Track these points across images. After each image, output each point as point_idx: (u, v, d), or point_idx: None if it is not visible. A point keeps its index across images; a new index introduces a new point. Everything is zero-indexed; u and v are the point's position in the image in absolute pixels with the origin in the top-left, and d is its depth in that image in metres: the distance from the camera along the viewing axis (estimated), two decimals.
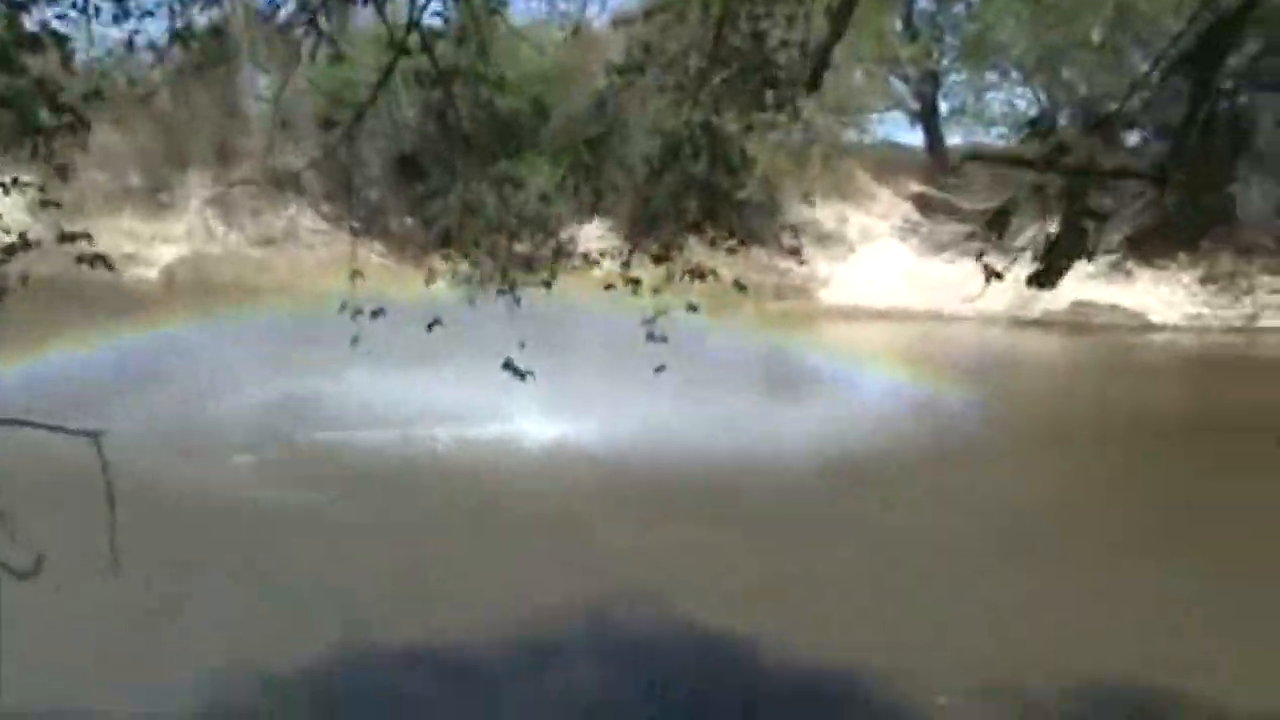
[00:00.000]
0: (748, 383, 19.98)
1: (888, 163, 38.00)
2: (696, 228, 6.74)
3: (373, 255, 34.07)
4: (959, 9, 39.93)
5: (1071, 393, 25.45)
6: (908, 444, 17.63)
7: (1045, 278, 3.84)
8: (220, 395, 18.05)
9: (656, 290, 7.03)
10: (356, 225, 30.70)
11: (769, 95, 6.07)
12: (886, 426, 18.41)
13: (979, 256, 4.73)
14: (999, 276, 4.38)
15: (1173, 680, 9.23)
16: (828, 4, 6.36)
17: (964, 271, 35.66)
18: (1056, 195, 3.77)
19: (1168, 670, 9.45)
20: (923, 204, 38.63)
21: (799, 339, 29.11)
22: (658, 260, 6.93)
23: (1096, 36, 29.91)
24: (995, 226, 4.11)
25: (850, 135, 38.00)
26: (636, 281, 7.09)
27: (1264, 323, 33.77)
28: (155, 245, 34.99)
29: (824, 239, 36.26)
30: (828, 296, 34.92)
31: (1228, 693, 8.95)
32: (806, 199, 27.59)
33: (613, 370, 15.03)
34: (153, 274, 33.90)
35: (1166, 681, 9.24)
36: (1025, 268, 4.66)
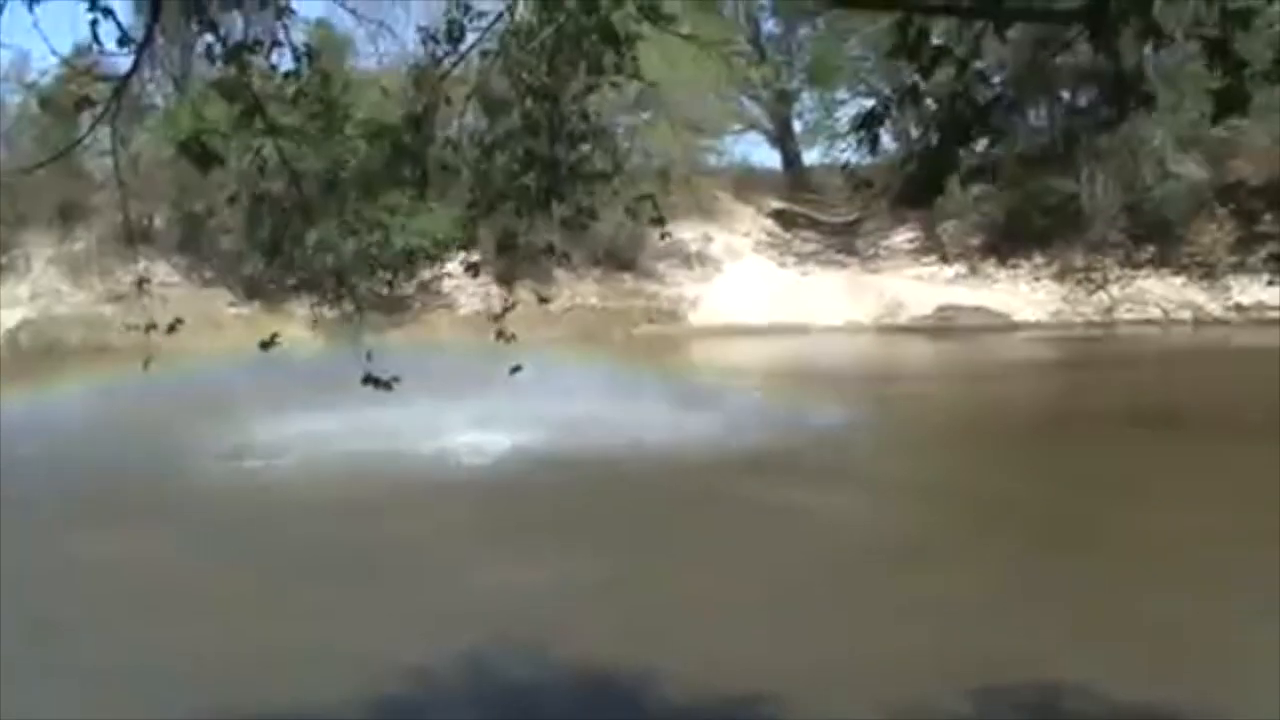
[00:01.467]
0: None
1: (747, 182, 38.36)
2: (540, 206, 6.25)
3: (227, 306, 33.11)
4: (805, 31, 40.74)
5: (934, 394, 25.74)
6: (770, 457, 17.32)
7: (917, 187, 3.59)
8: None
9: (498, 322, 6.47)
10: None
11: (607, 54, 5.73)
12: (743, 440, 18.09)
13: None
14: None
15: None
16: None
17: (830, 283, 36.24)
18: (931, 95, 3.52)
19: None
20: (784, 220, 39.08)
21: (668, 361, 29.02)
22: (502, 281, 6.51)
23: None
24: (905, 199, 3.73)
25: (709, 158, 38.41)
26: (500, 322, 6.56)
27: (1118, 315, 34.92)
28: None
29: (690, 260, 36.37)
30: (697, 318, 34.97)
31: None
32: (655, 224, 27.14)
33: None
34: None
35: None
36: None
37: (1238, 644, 8.97)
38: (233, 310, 33.04)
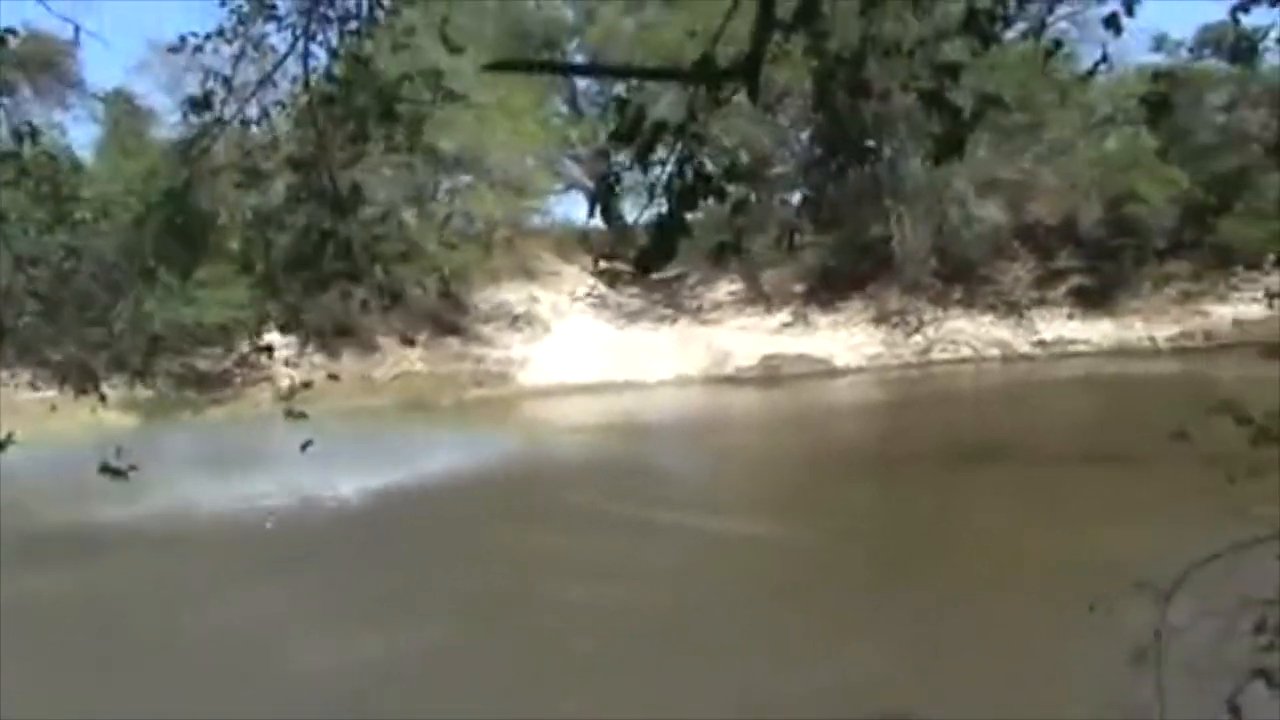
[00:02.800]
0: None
1: (570, 241, 38.56)
2: (331, 283, 6.02)
3: (26, 392, 31.40)
4: (620, 87, 41.34)
5: (754, 444, 26.24)
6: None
7: (651, 255, 3.60)
8: None
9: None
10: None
11: (379, 131, 5.63)
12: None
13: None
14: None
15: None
16: (440, 27, 6.10)
17: (658, 338, 36.60)
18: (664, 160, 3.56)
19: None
20: (609, 278, 39.36)
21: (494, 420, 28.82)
22: (284, 329, 6.28)
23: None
24: (642, 264, 3.76)
25: (532, 218, 38.49)
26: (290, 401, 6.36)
27: (933, 355, 36.21)
28: None
29: (516, 321, 36.27)
30: (527, 378, 34.82)
31: None
32: (443, 296, 27.60)
33: None
34: None
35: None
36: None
37: None
38: (36, 394, 31.36)
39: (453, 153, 33.80)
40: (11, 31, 5.00)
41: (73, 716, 10.17)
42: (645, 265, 3.53)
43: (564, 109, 42.05)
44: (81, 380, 6.90)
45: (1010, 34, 4.46)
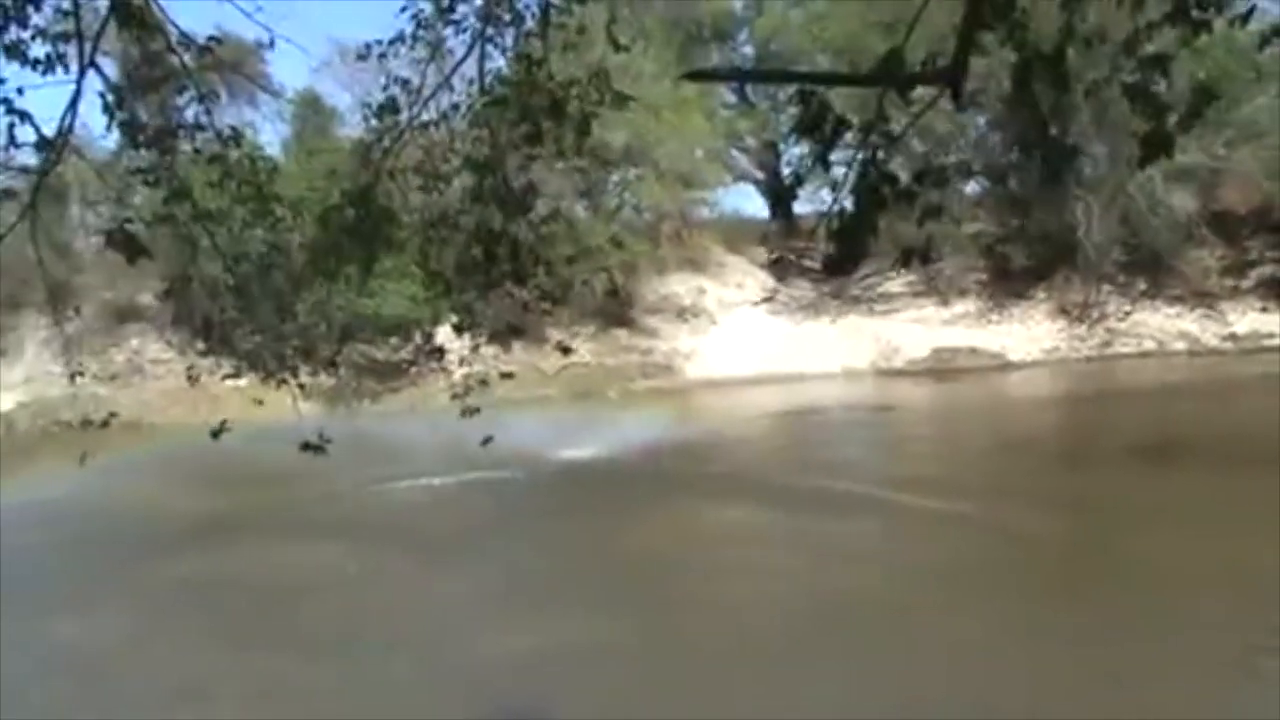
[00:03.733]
0: None
1: (738, 233, 38.35)
2: (499, 284, 6.08)
3: (223, 379, 32.90)
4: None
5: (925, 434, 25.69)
6: None
7: (838, 258, 3.47)
8: None
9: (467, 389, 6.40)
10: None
11: (551, 129, 5.62)
12: None
13: None
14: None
15: None
16: (607, 26, 6.07)
17: (825, 330, 36.13)
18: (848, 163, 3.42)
19: None
20: (777, 270, 39.01)
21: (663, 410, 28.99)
22: (458, 329, 6.32)
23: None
24: (830, 268, 3.62)
25: (700, 210, 38.44)
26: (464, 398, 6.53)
27: (1115, 349, 34.74)
28: None
29: (683, 314, 36.29)
30: (693, 370, 34.81)
31: None
32: (610, 295, 28.56)
33: None
34: None
35: None
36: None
37: None
38: (229, 383, 32.86)
39: (621, 146, 34.02)
40: (215, 40, 5.18)
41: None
42: (834, 268, 3.40)
43: (733, 100, 41.86)
44: (279, 368, 7.13)
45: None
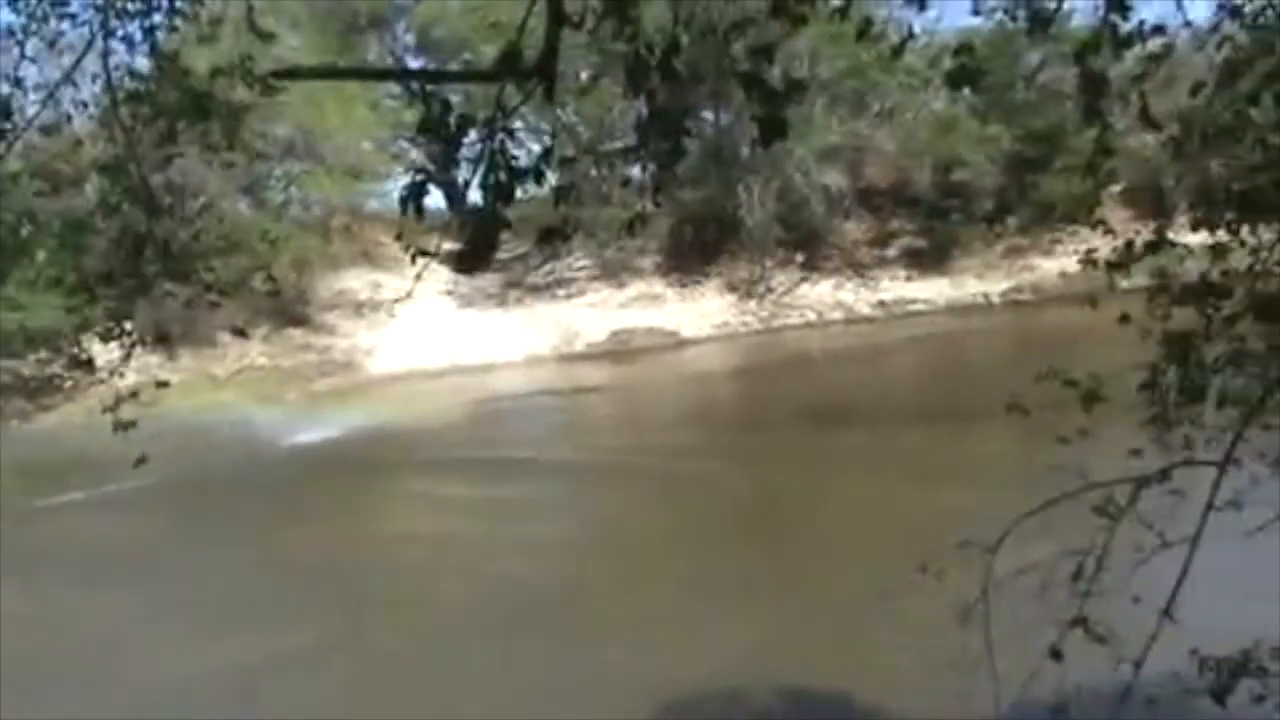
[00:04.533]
0: None
1: (411, 225, 37.80)
2: (153, 285, 5.77)
3: None
4: (455, 66, 40.77)
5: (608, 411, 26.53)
6: None
7: (472, 254, 3.58)
8: None
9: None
10: None
11: (194, 128, 5.40)
12: None
13: None
14: None
15: None
16: (247, 15, 5.88)
17: (507, 319, 36.38)
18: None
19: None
20: (455, 260, 38.88)
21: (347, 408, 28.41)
22: (104, 337, 5.97)
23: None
24: (465, 265, 3.70)
25: (370, 203, 37.76)
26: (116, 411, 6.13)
27: (778, 322, 36.84)
28: None
29: (361, 309, 35.58)
30: (376, 365, 34.20)
31: None
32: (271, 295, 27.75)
33: None
34: None
35: None
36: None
37: None
38: None
39: (285, 139, 32.94)
40: None
41: None
42: (469, 265, 3.50)
43: (397, 90, 41.28)
44: None
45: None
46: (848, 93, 35.30)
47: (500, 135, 3.30)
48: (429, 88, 3.44)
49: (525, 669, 10.31)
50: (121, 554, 16.50)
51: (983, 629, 4.60)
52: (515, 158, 3.33)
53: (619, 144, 34.89)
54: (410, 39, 42.38)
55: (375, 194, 37.63)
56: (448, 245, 39.63)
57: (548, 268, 38.58)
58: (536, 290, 38.13)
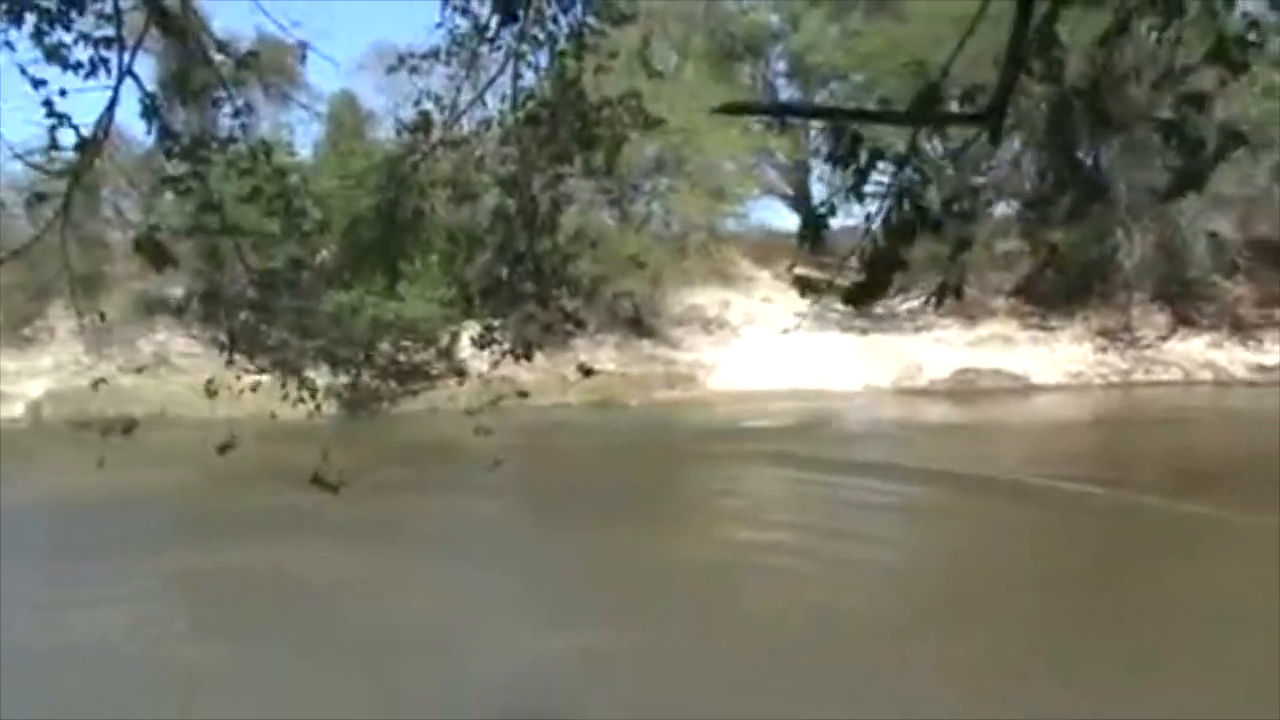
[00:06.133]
0: None
1: (765, 247, 38.30)
2: (520, 305, 6.05)
3: (246, 376, 33.07)
4: (822, 97, 40.90)
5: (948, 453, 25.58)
6: None
7: (862, 291, 3.47)
8: None
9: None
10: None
11: (579, 154, 5.62)
12: None
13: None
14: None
15: None
16: (640, 51, 6.09)
17: (848, 347, 36.03)
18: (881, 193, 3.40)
19: None
20: (803, 285, 38.81)
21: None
22: (478, 344, 6.30)
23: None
24: (852, 299, 3.65)
25: (728, 223, 38.47)
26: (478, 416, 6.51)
27: (1139, 376, 34.50)
28: (21, 380, 33.64)
29: (708, 325, 36.29)
30: (715, 382, 34.77)
31: None
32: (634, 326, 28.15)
33: None
34: (18, 410, 32.61)
35: None
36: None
37: None
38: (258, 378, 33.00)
39: (653, 155, 34.09)
40: (254, 54, 5.23)
41: None
42: (856, 300, 3.40)
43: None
44: (295, 370, 7.15)
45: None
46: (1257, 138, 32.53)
47: (910, 172, 3.17)
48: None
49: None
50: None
51: None
52: (921, 197, 3.19)
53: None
54: (783, 65, 42.89)
55: (734, 215, 38.30)
56: (795, 269, 39.87)
57: (897, 298, 37.91)
58: (880, 320, 37.54)
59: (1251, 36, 3.95)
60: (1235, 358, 34.54)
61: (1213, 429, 27.44)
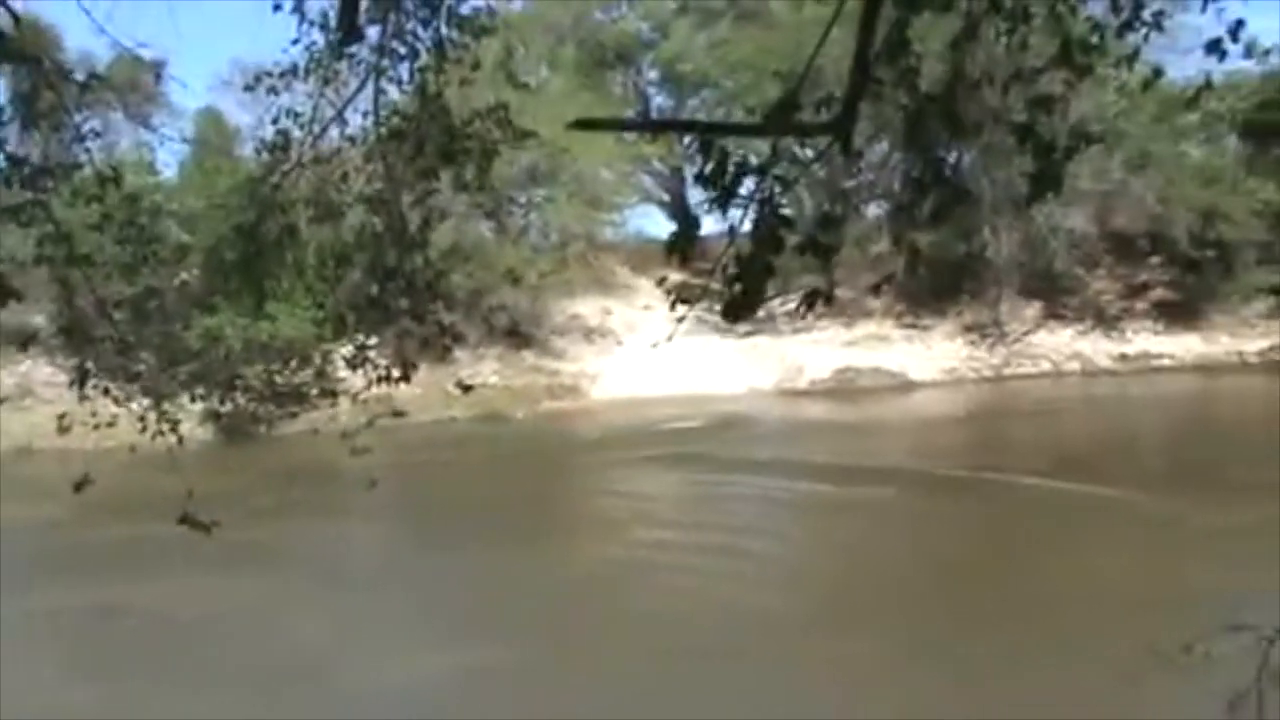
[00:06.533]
0: None
1: (643, 255, 38.41)
2: (394, 321, 5.93)
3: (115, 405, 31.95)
4: (694, 103, 41.26)
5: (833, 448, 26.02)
6: None
7: (740, 304, 3.47)
8: None
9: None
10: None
11: (447, 169, 5.53)
12: None
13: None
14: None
15: None
16: (505, 63, 6.04)
17: (731, 351, 36.31)
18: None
19: None
20: (677, 297, 39.01)
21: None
22: (351, 365, 6.17)
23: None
24: (729, 313, 3.64)
25: (606, 232, 38.46)
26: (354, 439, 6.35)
27: (1010, 370, 35.48)
28: None
29: (590, 335, 36.23)
30: (600, 391, 34.74)
31: None
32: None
33: None
34: None
35: None
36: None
37: None
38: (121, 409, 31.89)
39: (529, 165, 33.92)
40: (98, 77, 5.02)
41: None
42: (734, 313, 3.40)
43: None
44: (161, 398, 6.93)
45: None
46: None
47: (771, 181, 3.18)
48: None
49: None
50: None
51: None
52: (785, 206, 3.20)
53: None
54: (654, 74, 43.09)
55: (612, 223, 38.32)
56: (674, 276, 40.10)
57: (776, 300, 38.30)
58: (760, 323, 37.91)
59: (1094, 40, 4.08)
60: (1099, 348, 35.78)
61: (1079, 417, 28.39)
